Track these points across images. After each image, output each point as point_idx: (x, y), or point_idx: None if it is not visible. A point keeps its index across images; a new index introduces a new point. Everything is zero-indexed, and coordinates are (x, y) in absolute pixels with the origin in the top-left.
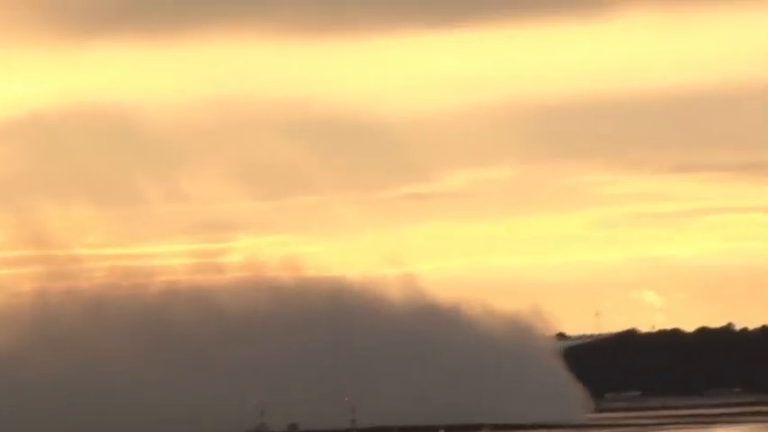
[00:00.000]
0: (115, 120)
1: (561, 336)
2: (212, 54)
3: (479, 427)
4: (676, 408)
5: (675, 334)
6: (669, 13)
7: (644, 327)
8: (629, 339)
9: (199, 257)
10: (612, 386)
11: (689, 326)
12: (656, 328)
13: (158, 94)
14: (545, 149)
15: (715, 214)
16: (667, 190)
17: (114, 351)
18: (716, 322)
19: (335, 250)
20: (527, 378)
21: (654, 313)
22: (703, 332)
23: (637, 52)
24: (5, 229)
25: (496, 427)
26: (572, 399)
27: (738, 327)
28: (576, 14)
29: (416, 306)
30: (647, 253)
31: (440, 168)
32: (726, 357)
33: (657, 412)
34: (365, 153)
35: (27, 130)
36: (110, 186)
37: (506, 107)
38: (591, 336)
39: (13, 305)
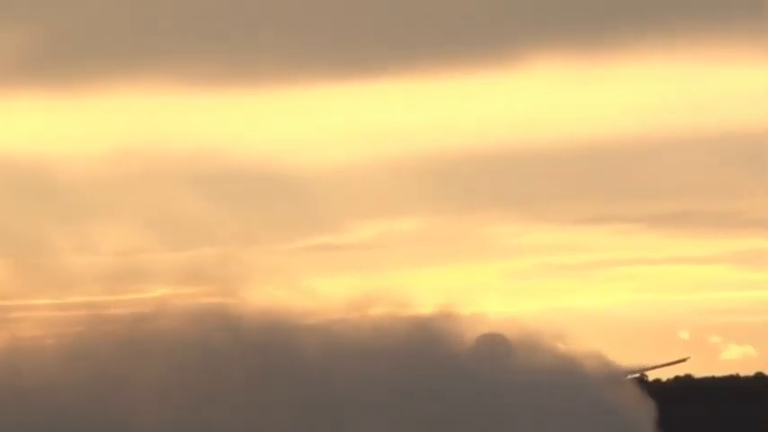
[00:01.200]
0: (22, 171)
1: None
2: (120, 105)
3: None
4: None
5: None
6: (580, 65)
7: None
8: None
9: (104, 308)
10: None
11: None
12: None
13: (65, 146)
14: (456, 201)
15: (625, 266)
16: (578, 241)
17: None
18: None
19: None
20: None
21: None
22: None
23: (548, 104)
24: None
25: None
26: None
27: (651, 378)
28: (486, 66)
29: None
30: (557, 304)
31: (349, 220)
32: None
33: None
34: (272, 204)
35: None
36: (17, 237)
37: (416, 158)
38: None
39: None
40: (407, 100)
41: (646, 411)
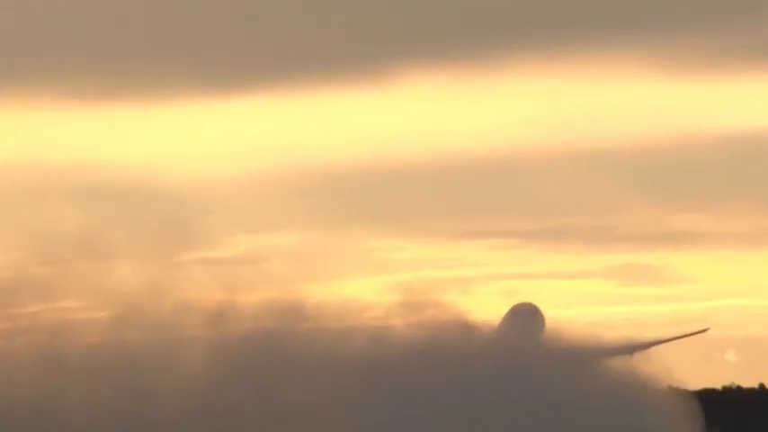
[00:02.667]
0: None
1: None
2: None
3: None
4: None
5: None
6: (455, 80)
7: None
8: None
9: None
10: None
11: None
12: None
13: None
14: (332, 215)
15: (503, 280)
16: (456, 256)
17: None
18: None
19: (122, 316)
20: None
21: None
22: None
23: (423, 119)
24: None
25: None
26: None
27: None
28: (362, 82)
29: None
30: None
31: (225, 234)
32: None
33: None
34: (148, 219)
35: None
36: None
37: (293, 173)
38: None
39: None
40: (283, 115)
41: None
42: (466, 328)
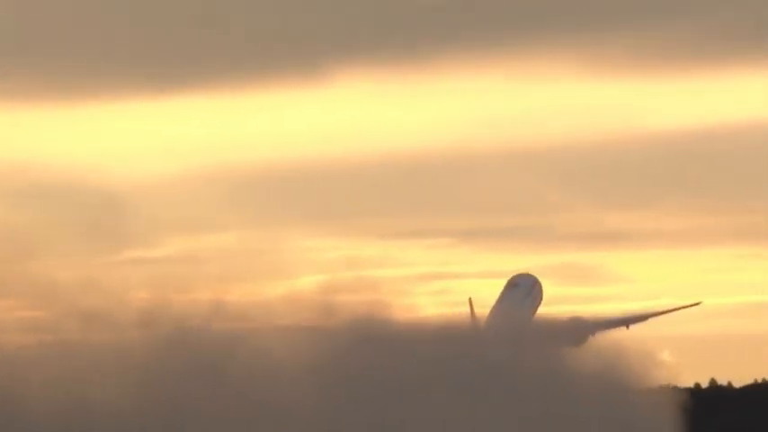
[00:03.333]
0: None
1: None
2: None
3: None
4: None
5: None
6: (393, 79)
7: None
8: None
9: None
10: None
11: None
12: None
13: None
14: (269, 215)
15: (436, 280)
16: (390, 256)
17: None
18: None
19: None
20: None
21: None
22: None
23: (358, 119)
24: None
25: None
26: None
27: None
28: (298, 80)
29: None
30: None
31: (160, 233)
32: None
33: None
34: (84, 218)
35: None
36: None
37: (228, 172)
38: None
39: None
40: (219, 114)
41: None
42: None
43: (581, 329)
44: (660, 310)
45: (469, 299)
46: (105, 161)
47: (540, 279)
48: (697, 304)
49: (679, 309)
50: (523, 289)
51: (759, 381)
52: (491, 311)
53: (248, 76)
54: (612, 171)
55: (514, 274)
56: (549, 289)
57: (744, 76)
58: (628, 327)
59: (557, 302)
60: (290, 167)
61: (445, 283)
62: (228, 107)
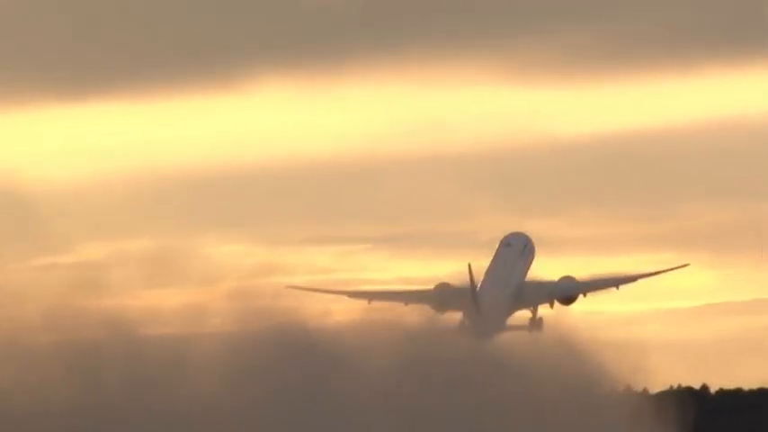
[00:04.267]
0: None
1: None
2: None
3: None
4: None
5: None
6: (308, 85)
7: None
8: None
9: None
10: None
11: None
12: None
13: None
14: (183, 221)
15: (354, 286)
16: (304, 262)
17: None
18: None
19: None
20: None
21: None
22: None
23: (275, 124)
24: None
25: None
26: None
27: None
28: (213, 86)
29: None
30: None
31: (78, 239)
32: None
33: None
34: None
35: None
36: None
37: (142, 179)
38: None
39: None
40: (134, 120)
41: None
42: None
43: (574, 289)
44: (648, 272)
45: (468, 264)
46: (17, 166)
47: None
48: (684, 266)
49: (666, 271)
50: (516, 248)
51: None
52: (487, 271)
53: (162, 83)
54: (526, 177)
55: (507, 233)
56: None
57: (655, 82)
58: (618, 287)
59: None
60: (204, 173)
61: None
62: (143, 113)
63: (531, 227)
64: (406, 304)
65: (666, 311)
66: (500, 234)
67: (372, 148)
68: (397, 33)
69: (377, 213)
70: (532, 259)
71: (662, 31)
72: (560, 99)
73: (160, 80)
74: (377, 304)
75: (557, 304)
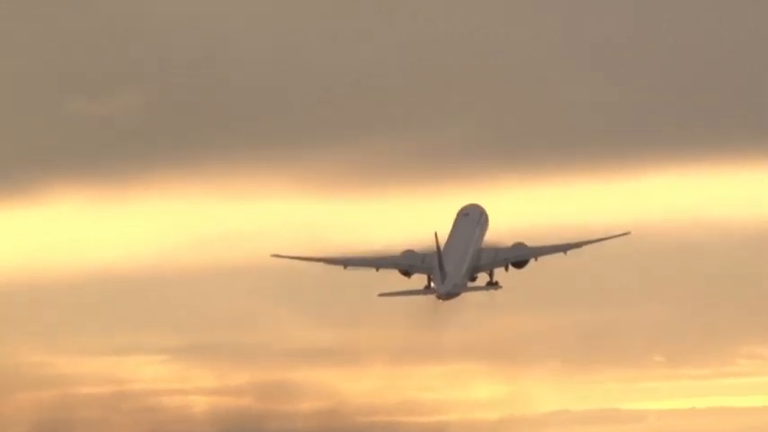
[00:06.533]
0: None
1: None
2: None
3: None
4: None
5: None
6: (98, 198)
7: None
8: None
9: None
10: None
11: None
12: None
13: None
14: None
15: (153, 396)
16: (104, 372)
17: None
18: None
19: None
20: None
21: None
22: None
23: (66, 236)
24: None
25: None
26: None
27: None
28: (7, 197)
29: None
30: None
31: None
32: None
33: None
34: None
35: None
36: None
37: None
38: None
39: None
40: None
41: None
42: None
43: (526, 254)
44: (593, 238)
45: (435, 233)
46: None
47: (252, 398)
48: (626, 234)
49: (609, 238)
50: (473, 217)
51: None
52: (448, 238)
53: None
54: (323, 288)
55: (463, 205)
56: (257, 405)
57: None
58: (566, 252)
59: (268, 419)
60: (3, 282)
61: (159, 400)
62: None
63: (324, 337)
64: (377, 269)
65: None
66: (296, 344)
67: (165, 259)
68: (189, 146)
69: (173, 324)
70: (487, 227)
71: (452, 145)
72: (358, 211)
73: None
74: (351, 269)
75: (510, 267)
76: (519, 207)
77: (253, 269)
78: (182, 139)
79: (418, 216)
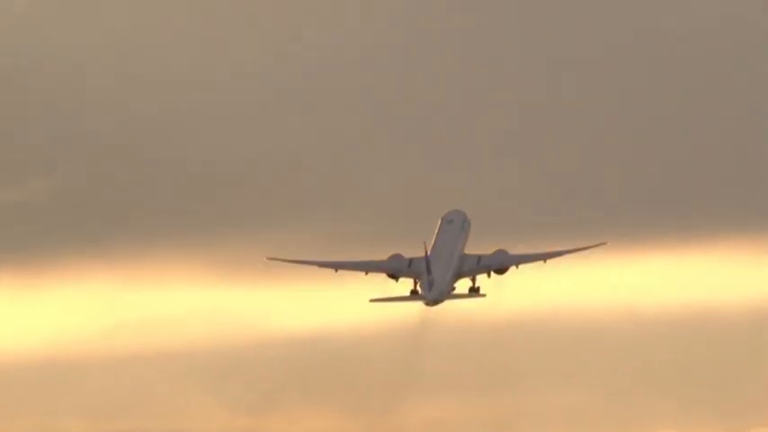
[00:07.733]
0: None
1: None
2: None
3: None
4: None
5: None
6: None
7: None
8: None
9: None
10: None
11: None
12: None
13: None
14: None
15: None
16: None
17: None
18: None
19: None
20: None
21: None
22: None
23: None
24: None
25: None
26: None
27: None
28: None
29: None
30: None
31: None
32: None
33: None
34: None
35: None
36: None
37: None
38: None
39: None
40: None
41: None
42: None
43: (507, 261)
44: (572, 248)
45: (424, 242)
46: None
47: None
48: (603, 244)
49: (586, 248)
50: (457, 224)
51: None
52: (434, 244)
53: None
54: (241, 373)
55: (449, 211)
56: None
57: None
58: (545, 261)
59: None
60: None
61: None
62: None
63: (248, 426)
64: (366, 273)
65: None
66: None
67: (81, 346)
68: (101, 230)
69: (91, 411)
70: (468, 233)
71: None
72: (268, 297)
73: None
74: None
75: (492, 274)
76: None
77: (166, 355)
78: (92, 225)
79: (327, 304)
